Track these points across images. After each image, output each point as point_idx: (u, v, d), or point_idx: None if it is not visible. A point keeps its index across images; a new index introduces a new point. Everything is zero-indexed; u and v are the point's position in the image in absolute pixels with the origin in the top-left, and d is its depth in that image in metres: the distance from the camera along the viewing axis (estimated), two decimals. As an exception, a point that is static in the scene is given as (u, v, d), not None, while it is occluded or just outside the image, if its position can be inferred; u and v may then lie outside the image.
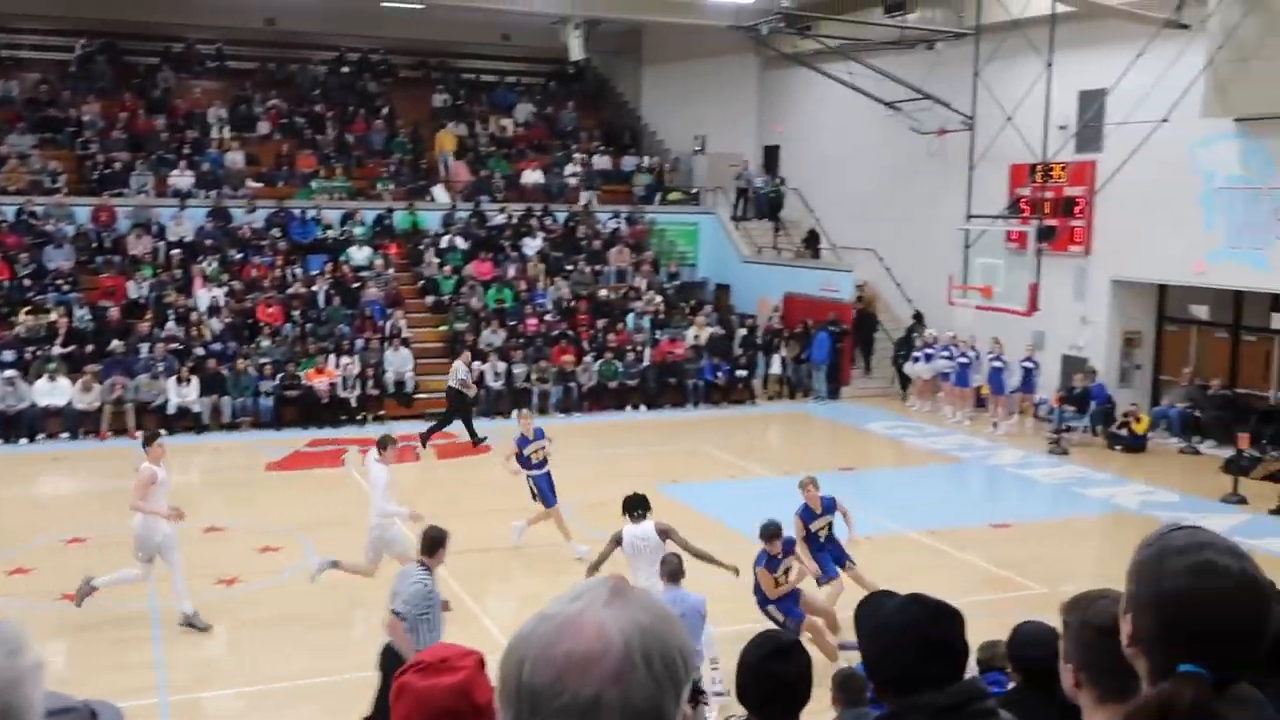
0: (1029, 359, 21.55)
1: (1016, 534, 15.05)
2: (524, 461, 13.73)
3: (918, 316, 25.28)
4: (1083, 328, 21.97)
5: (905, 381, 24.55)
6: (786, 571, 9.75)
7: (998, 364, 21.56)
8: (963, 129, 20.45)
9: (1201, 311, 21.27)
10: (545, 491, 13.63)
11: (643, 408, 23.38)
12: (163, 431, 12.26)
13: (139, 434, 19.98)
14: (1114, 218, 20.94)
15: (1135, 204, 20.31)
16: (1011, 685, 4.33)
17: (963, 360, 22.34)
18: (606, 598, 1.43)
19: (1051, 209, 21.28)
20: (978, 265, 19.63)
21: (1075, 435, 20.42)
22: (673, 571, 8.56)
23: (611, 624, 1.40)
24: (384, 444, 11.59)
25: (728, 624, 9.63)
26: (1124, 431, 20.07)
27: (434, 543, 8.33)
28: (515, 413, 17.34)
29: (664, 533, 9.75)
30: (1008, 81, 19.74)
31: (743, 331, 25.40)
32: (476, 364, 22.39)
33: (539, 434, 14.06)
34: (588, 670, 1.36)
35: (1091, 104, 20.38)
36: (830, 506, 11.05)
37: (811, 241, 28.65)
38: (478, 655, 2.40)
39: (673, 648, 1.42)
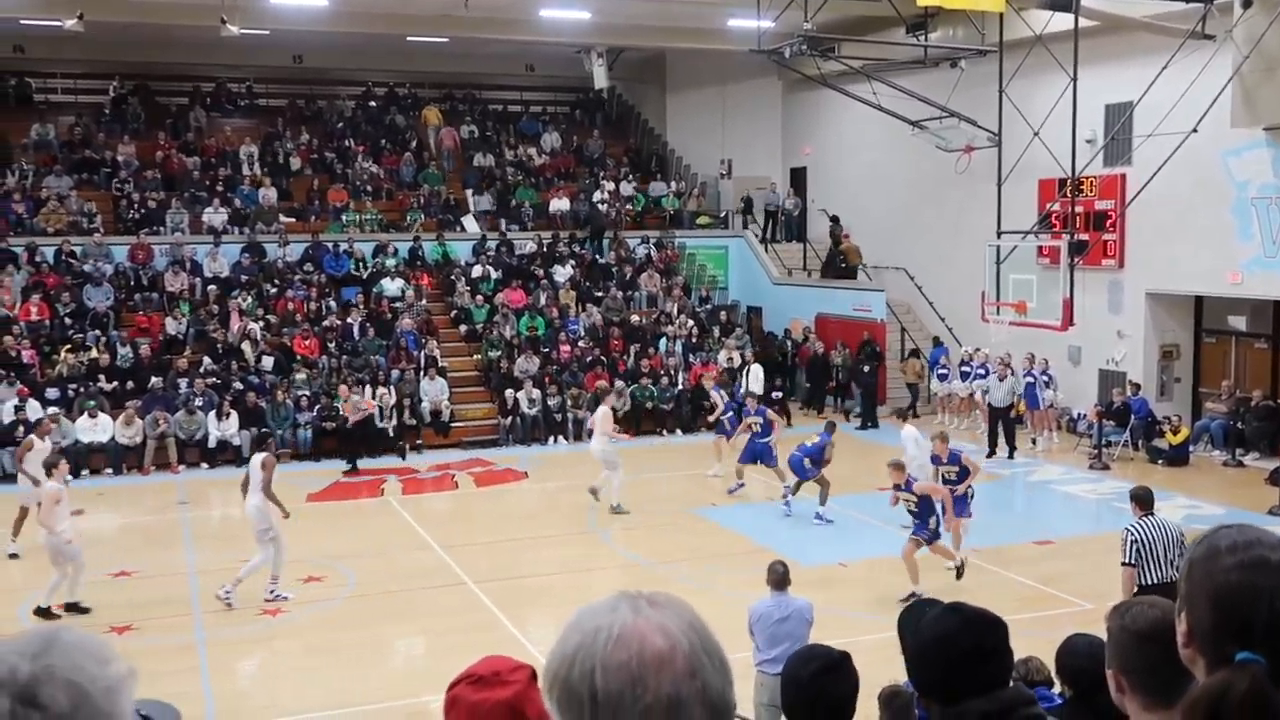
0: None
1: (1060, 550, 14.91)
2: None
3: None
4: (1119, 342, 21.81)
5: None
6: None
7: (1031, 379, 21.41)
8: (990, 145, 20.38)
9: (1239, 322, 21.08)
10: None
11: (678, 431, 23.36)
12: None
13: (180, 468, 20.28)
14: (1146, 230, 20.80)
15: (1167, 216, 20.18)
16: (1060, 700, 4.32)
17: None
18: (645, 605, 1.48)
19: (1083, 223, 21.17)
20: (1010, 281, 19.49)
21: (1116, 450, 20.24)
22: (779, 579, 8.38)
23: (672, 624, 1.45)
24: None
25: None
26: (1162, 442, 19.88)
27: None
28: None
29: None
30: (1033, 97, 19.68)
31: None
32: (509, 391, 22.51)
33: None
34: (663, 670, 1.42)
35: (1118, 117, 20.30)
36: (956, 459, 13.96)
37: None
38: (529, 669, 2.44)
39: (718, 644, 1.49)
